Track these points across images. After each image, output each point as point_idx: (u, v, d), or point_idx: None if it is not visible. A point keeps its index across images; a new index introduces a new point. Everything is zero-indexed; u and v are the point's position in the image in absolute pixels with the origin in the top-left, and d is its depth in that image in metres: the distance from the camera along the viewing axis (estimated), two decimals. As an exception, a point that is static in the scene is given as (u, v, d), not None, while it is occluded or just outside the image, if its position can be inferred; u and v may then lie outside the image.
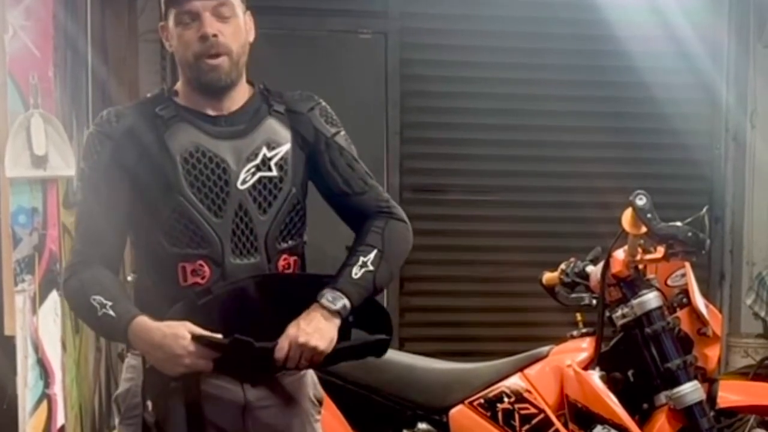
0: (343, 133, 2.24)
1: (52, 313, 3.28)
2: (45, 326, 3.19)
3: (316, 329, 2.00)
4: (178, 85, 2.17)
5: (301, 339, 1.98)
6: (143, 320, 1.98)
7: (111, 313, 1.98)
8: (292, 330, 1.99)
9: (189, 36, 2.06)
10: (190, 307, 2.00)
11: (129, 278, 2.21)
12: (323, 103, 2.25)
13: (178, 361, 1.94)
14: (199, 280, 2.06)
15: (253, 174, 2.10)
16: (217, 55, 2.06)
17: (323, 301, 2.04)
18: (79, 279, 2.05)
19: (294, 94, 2.23)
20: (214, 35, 2.04)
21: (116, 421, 2.14)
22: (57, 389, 3.29)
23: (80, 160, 2.17)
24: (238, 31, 2.09)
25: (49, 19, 3.24)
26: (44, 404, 3.18)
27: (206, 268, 2.06)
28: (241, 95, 2.15)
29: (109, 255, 2.09)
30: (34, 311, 3.11)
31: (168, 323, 1.97)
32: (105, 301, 1.98)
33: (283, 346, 1.98)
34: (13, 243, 2.93)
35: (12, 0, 2.98)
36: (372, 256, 2.11)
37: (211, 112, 2.11)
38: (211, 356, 1.95)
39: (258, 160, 2.11)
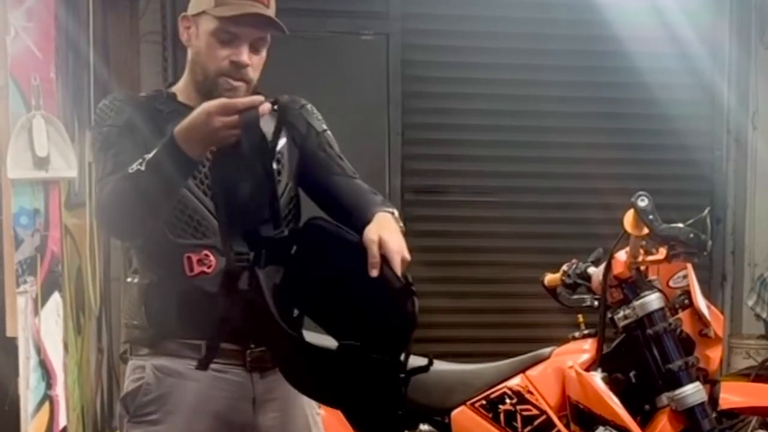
0: (329, 132, 2.29)
1: (53, 314, 3.28)
2: (47, 327, 3.19)
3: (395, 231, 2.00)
4: (179, 86, 2.18)
5: (385, 234, 1.95)
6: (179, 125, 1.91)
7: (151, 155, 1.91)
8: (372, 229, 1.96)
9: (221, 53, 2.07)
10: None
11: (129, 280, 2.21)
12: (310, 104, 2.30)
13: (213, 120, 1.84)
14: (205, 269, 2.08)
15: None
16: (239, 80, 2.09)
17: (387, 209, 2.07)
18: (105, 185, 2.00)
19: (282, 96, 2.28)
20: (246, 65, 2.08)
21: (124, 420, 2.13)
22: (59, 391, 3.29)
23: (95, 125, 2.15)
24: (261, 62, 2.14)
25: (51, 20, 3.24)
26: (46, 406, 3.18)
27: (212, 258, 2.07)
28: None
29: None
30: (36, 312, 3.11)
31: None
32: (142, 159, 1.91)
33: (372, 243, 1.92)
34: (15, 244, 2.94)
35: (14, 1, 2.99)
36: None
37: None
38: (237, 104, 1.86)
39: None
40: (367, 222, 2.01)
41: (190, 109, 2.10)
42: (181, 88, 2.17)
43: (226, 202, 1.96)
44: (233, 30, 2.06)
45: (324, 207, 2.23)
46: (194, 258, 2.07)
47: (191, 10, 2.12)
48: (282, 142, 2.19)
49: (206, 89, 2.10)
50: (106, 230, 2.15)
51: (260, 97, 1.92)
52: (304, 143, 2.24)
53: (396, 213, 2.10)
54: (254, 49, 2.10)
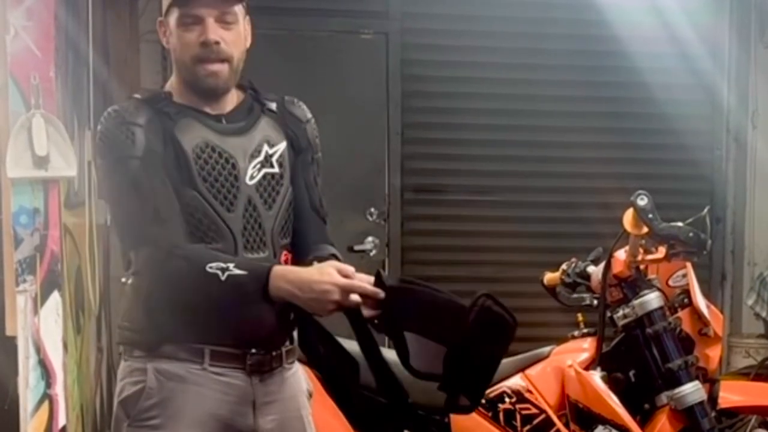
0: (321, 155, 2.31)
1: (53, 313, 3.28)
2: (46, 327, 3.19)
3: None
4: (171, 85, 2.16)
5: None
6: (283, 267, 1.99)
7: (238, 272, 1.94)
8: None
9: (189, 39, 2.06)
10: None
11: (124, 280, 2.18)
12: (314, 119, 2.30)
13: (327, 297, 1.91)
14: None
15: (259, 170, 2.13)
16: (217, 61, 2.07)
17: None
18: (180, 257, 1.98)
19: (289, 98, 2.27)
20: (216, 42, 2.05)
21: (123, 424, 2.11)
22: (58, 390, 3.28)
23: (107, 153, 2.08)
24: (238, 38, 2.11)
25: (51, 19, 3.24)
26: (45, 405, 3.18)
27: None
28: (234, 96, 2.18)
29: (184, 232, 2.03)
30: (36, 312, 3.11)
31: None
32: (224, 265, 1.94)
33: None
34: (14, 243, 2.94)
35: (13, 0, 2.98)
36: None
37: (210, 111, 2.13)
38: (362, 290, 1.93)
39: (261, 157, 2.14)
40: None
41: (192, 109, 2.11)
42: (174, 89, 2.15)
43: None
44: (193, 12, 2.05)
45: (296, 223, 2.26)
46: None
47: (163, 13, 2.13)
48: (283, 145, 2.19)
49: (191, 82, 2.10)
50: (161, 292, 2.11)
51: (381, 294, 1.95)
52: (300, 156, 2.24)
53: None
54: (224, 24, 2.07)
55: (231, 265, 1.94)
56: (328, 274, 1.93)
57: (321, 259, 2.07)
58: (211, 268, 1.94)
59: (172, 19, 2.08)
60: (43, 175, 3.14)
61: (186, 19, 2.06)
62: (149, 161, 2.03)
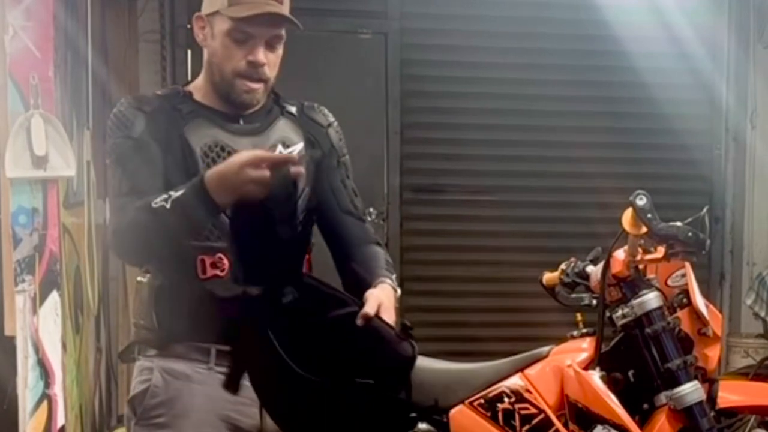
0: (348, 158, 2.31)
1: (52, 313, 3.28)
2: (45, 326, 3.19)
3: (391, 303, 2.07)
4: (196, 84, 2.17)
5: (385, 303, 2.05)
6: (212, 169, 1.94)
7: (178, 194, 1.92)
8: (375, 292, 2.06)
9: (237, 54, 2.07)
10: None
11: (139, 278, 2.19)
12: (336, 122, 2.31)
13: (242, 177, 1.86)
14: (218, 272, 2.08)
15: None
16: (257, 81, 2.09)
17: (390, 278, 2.17)
18: (131, 209, 1.98)
19: (309, 103, 2.29)
20: (262, 64, 2.08)
21: (131, 422, 2.12)
22: (57, 389, 3.28)
23: (110, 134, 2.12)
24: (278, 59, 2.14)
25: (50, 19, 3.24)
26: (44, 404, 3.18)
27: (225, 261, 2.07)
28: None
29: None
30: (35, 311, 3.11)
31: None
32: (167, 195, 1.92)
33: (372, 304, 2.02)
34: (13, 243, 2.94)
35: (12, 0, 2.98)
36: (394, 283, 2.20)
37: (228, 111, 2.13)
38: (269, 160, 1.89)
39: None
40: (372, 281, 2.14)
41: (209, 109, 2.11)
42: (198, 86, 2.16)
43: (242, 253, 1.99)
44: (248, 29, 2.05)
45: (326, 237, 2.28)
46: (207, 261, 2.07)
47: (205, 9, 2.11)
48: (300, 146, 2.19)
49: (224, 90, 2.10)
50: (120, 256, 2.14)
51: (295, 155, 1.96)
52: (323, 162, 2.24)
53: (395, 282, 2.22)
54: (270, 47, 2.09)
55: (172, 193, 1.93)
56: (236, 157, 1.91)
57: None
58: (156, 203, 1.92)
59: (221, 26, 2.07)
60: (41, 175, 3.14)
61: (238, 34, 2.06)
62: (142, 143, 2.05)
